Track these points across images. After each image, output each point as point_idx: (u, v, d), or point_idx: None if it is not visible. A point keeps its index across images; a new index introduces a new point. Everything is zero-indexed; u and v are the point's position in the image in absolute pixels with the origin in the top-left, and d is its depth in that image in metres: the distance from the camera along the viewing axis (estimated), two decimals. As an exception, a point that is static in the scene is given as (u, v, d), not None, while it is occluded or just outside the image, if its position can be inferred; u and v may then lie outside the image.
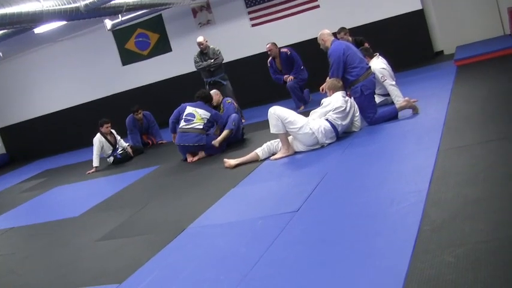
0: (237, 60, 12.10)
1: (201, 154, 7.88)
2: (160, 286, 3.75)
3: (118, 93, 13.32)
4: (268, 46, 9.95)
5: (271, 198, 5.02)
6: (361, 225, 3.72)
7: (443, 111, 6.26)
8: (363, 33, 9.73)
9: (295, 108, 9.27)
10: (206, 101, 8.14)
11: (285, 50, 9.89)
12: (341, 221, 3.91)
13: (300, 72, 9.86)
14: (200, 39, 10.24)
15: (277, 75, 10.11)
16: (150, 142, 10.87)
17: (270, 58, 10.05)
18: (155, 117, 11.32)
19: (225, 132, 7.95)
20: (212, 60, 10.17)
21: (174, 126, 8.11)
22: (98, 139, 9.59)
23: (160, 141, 10.82)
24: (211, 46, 10.29)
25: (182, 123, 7.93)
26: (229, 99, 8.49)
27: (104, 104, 13.88)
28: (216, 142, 7.83)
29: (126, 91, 13.62)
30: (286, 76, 9.90)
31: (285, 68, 9.91)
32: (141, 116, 10.77)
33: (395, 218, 3.65)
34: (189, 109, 8.00)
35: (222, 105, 8.39)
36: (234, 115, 8.15)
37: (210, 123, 7.99)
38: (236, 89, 10.69)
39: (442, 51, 11.33)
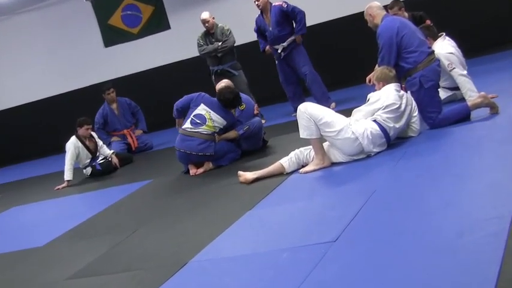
0: (253, 42, 12.10)
1: (208, 165, 7.92)
2: None
3: (99, 83, 13.39)
4: None
5: (300, 224, 5.03)
6: (419, 262, 3.69)
7: (531, 111, 6.24)
8: (423, 7, 9.71)
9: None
10: (226, 105, 8.00)
11: (279, 3, 9.98)
12: (393, 255, 3.89)
13: (304, 28, 9.94)
14: (205, 15, 10.30)
15: (260, 37, 10.26)
16: (132, 142, 11.00)
17: (258, 14, 10.19)
18: (146, 118, 11.47)
19: (230, 133, 8.05)
20: (220, 43, 10.23)
21: (180, 114, 8.14)
22: (72, 144, 9.66)
23: (138, 131, 11.29)
24: (219, 25, 10.37)
25: (187, 124, 7.95)
26: (242, 104, 8.31)
27: (79, 98, 14.01)
28: (216, 137, 7.93)
29: (110, 81, 13.62)
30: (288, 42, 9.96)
31: (274, 25, 9.96)
32: (113, 96, 10.96)
33: (467, 254, 3.62)
34: (202, 109, 7.95)
35: (234, 111, 8.30)
36: (256, 119, 8.21)
37: (222, 132, 8.04)
38: (253, 80, 10.71)
39: (531, 30, 11.28)
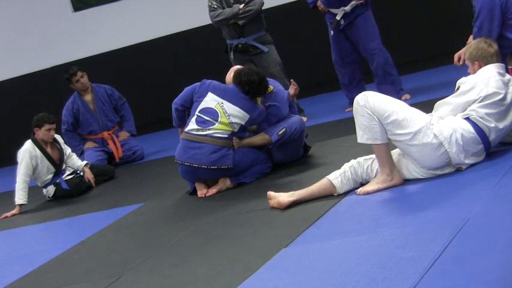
0: (289, 4, 12.12)
1: (224, 183, 7.96)
2: None
3: (64, 64, 13.45)
4: None
5: (358, 269, 4.98)
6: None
7: None
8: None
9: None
10: (248, 91, 7.94)
11: None
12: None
13: None
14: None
15: None
16: (115, 149, 11.02)
17: None
18: (135, 115, 11.53)
19: (257, 137, 8.06)
20: (241, 5, 10.22)
21: (182, 115, 8.18)
22: (27, 152, 9.68)
23: (123, 134, 11.31)
24: (240, -21, 10.41)
25: (191, 125, 7.96)
26: (269, 86, 8.24)
27: (37, 85, 14.13)
28: (235, 142, 7.88)
29: (82, 60, 13.74)
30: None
31: None
32: (84, 82, 10.92)
33: None
34: (210, 100, 7.94)
35: (259, 99, 8.31)
36: (296, 118, 8.16)
37: (243, 132, 8.04)
38: (288, 60, 10.69)
39: None
